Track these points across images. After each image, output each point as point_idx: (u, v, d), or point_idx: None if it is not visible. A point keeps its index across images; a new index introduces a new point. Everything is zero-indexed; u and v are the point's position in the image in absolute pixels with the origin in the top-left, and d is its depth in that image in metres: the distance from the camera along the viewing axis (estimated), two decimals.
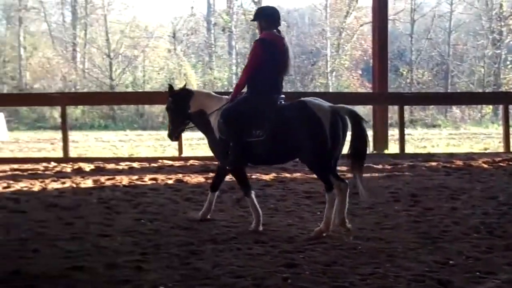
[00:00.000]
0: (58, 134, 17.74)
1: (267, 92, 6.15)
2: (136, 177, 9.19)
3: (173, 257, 5.20)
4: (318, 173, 5.97)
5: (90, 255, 5.26)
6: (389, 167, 10.15)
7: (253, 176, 8.80)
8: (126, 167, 10.20)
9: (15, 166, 10.43)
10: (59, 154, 11.99)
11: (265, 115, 6.03)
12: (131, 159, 11.19)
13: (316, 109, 5.83)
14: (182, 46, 27.33)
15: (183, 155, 11.24)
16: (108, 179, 9.07)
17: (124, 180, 8.97)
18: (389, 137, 12.61)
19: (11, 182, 8.84)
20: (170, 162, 10.52)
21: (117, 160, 10.96)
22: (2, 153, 12.84)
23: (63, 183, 8.83)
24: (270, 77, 6.16)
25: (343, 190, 5.83)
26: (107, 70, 26.79)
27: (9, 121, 20.51)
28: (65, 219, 6.61)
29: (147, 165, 10.38)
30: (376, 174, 9.48)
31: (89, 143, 16.24)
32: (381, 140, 12.17)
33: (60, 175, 9.46)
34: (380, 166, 10.13)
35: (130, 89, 25.41)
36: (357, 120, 5.77)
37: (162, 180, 9.02)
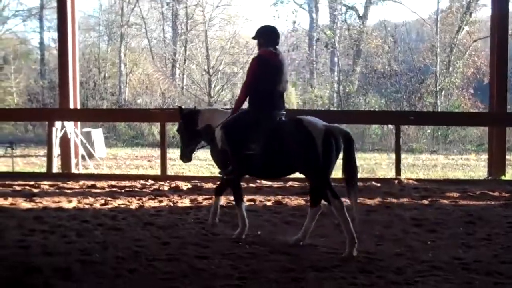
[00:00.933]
0: (156, 151, 18.36)
1: (265, 108, 6.65)
2: (233, 197, 9.23)
3: (272, 283, 5.16)
4: (319, 185, 6.38)
5: (186, 277, 5.32)
6: (506, 194, 9.67)
7: (358, 200, 8.64)
8: None
9: (113, 182, 10.79)
10: (157, 171, 12.31)
11: (261, 130, 6.52)
12: None
13: (310, 127, 6.28)
14: None
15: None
16: (205, 199, 9.19)
17: (222, 200, 9.04)
18: (507, 162, 12.04)
19: (109, 199, 9.14)
20: (268, 183, 10.53)
21: (214, 179, 11.09)
22: (100, 169, 13.34)
23: (160, 201, 9.03)
24: (268, 92, 6.67)
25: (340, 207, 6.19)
26: (206, 87, 27.39)
27: (107, 137, 21.37)
28: (162, 238, 6.74)
29: (245, 186, 10.43)
30: (492, 202, 9.05)
31: None
32: (499, 164, 11.61)
33: (157, 193, 9.69)
34: (496, 194, 9.68)
35: (228, 106, 25.83)
36: (350, 142, 6.19)
37: (261, 201, 9.03)
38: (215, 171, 13.61)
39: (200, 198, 9.24)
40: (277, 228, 7.36)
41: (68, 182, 10.53)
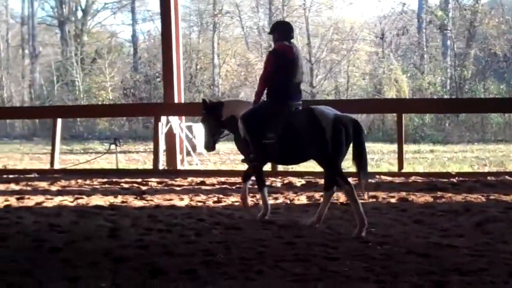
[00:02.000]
0: None
1: (282, 99, 7.41)
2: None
3: (415, 287, 5.02)
4: (330, 170, 7.11)
5: (319, 280, 5.25)
6: None
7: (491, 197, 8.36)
8: None
9: (222, 179, 10.93)
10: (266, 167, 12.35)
11: (277, 120, 7.30)
12: None
13: (320, 117, 6.98)
14: (390, 48, 27.03)
15: (404, 170, 10.96)
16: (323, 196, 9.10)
17: (341, 197, 8.95)
18: None
19: (221, 196, 9.25)
20: (389, 178, 10.33)
21: None
22: (205, 165, 13.57)
23: (275, 198, 9.05)
24: (284, 84, 7.42)
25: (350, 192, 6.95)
26: (307, 77, 27.28)
27: None
28: (285, 238, 6.72)
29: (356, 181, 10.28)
30: None
31: None
32: None
33: (271, 190, 9.70)
34: None
35: (331, 97, 25.65)
36: (358, 130, 6.89)
37: (383, 198, 8.86)
38: None
39: (317, 195, 9.17)
40: (408, 227, 7.18)
41: (176, 179, 10.73)
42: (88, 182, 11.04)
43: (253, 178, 8.11)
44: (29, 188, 10.57)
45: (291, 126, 7.20)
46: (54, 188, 10.45)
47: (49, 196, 9.55)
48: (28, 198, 9.38)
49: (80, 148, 21.37)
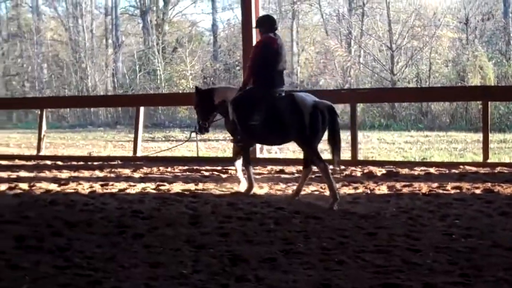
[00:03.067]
0: (343, 135, 18.25)
1: (267, 85, 8.30)
2: (435, 184, 8.94)
3: (501, 282, 4.85)
4: (308, 150, 8.22)
5: (402, 272, 5.16)
6: None
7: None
8: (422, 173, 9.99)
9: (301, 168, 10.87)
10: (344, 156, 12.23)
11: (262, 105, 8.21)
12: (426, 164, 10.96)
13: (300, 102, 7.97)
14: (474, 34, 26.22)
15: (489, 160, 10.62)
16: (405, 186, 8.96)
17: (423, 187, 8.78)
18: None
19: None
20: (473, 169, 10.05)
21: (410, 164, 10.81)
22: (283, 153, 13.55)
23: (356, 188, 8.95)
24: (269, 72, 8.31)
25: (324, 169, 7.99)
26: (387, 64, 26.80)
27: None
28: (366, 228, 6.63)
29: (446, 172, 10.05)
30: None
31: (373, 145, 16.39)
32: None
33: (351, 179, 9.61)
34: None
35: (412, 85, 25.11)
36: (333, 114, 7.91)
37: (468, 189, 8.62)
38: (409, 155, 13.38)
39: (398, 185, 9.02)
40: (494, 219, 6.96)
41: (256, 167, 10.78)
42: (169, 169, 11.23)
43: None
44: (112, 175, 10.85)
45: (274, 110, 8.14)
46: (136, 175, 10.68)
47: (132, 183, 9.77)
48: (112, 185, 9.62)
49: (162, 136, 21.76)
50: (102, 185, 9.63)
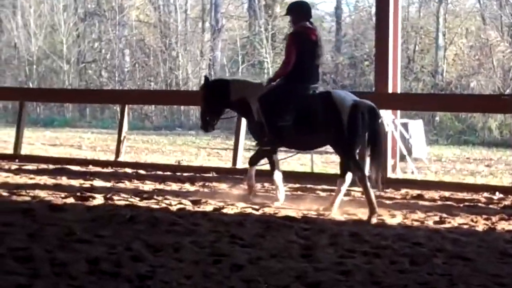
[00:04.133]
0: (494, 153, 17.85)
1: (300, 81, 9.17)
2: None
3: None
4: (345, 157, 9.01)
5: None
6: None
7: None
8: None
9: (446, 194, 10.76)
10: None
11: (295, 103, 9.00)
12: None
13: (338, 101, 8.75)
14: None
15: None
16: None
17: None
18: None
19: (444, 215, 9.10)
20: None
21: None
22: (422, 174, 13.36)
23: None
24: (303, 66, 9.14)
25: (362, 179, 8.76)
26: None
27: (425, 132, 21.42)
28: None
29: None
30: None
31: None
32: None
33: (510, 212, 9.38)
34: None
35: None
36: (374, 116, 8.70)
37: None
38: None
39: None
40: None
41: (386, 190, 10.68)
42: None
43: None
44: (206, 190, 11.04)
45: (308, 109, 8.95)
46: (236, 191, 10.82)
47: (230, 201, 9.90)
48: (205, 202, 9.79)
49: None
50: (193, 202, 9.81)
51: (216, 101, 9.86)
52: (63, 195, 10.19)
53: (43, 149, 19.11)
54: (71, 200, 9.92)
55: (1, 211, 8.90)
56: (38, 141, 21.75)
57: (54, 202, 9.66)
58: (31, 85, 33.60)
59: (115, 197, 10.07)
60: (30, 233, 7.67)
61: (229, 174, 12.62)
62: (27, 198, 9.96)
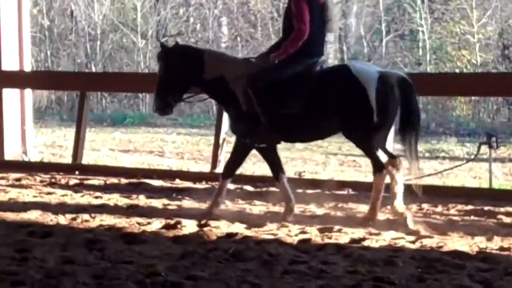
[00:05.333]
0: None
1: (308, 55, 9.83)
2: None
3: None
4: (365, 151, 9.82)
5: None
6: None
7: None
8: None
9: None
10: None
11: (302, 83, 9.68)
12: None
13: (360, 76, 9.40)
14: None
15: None
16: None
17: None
18: None
19: None
20: None
21: None
22: None
23: None
24: (313, 36, 9.77)
25: (397, 167, 9.54)
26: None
27: None
28: None
29: None
30: None
31: None
32: None
33: None
34: None
35: None
36: (408, 89, 9.42)
37: None
38: None
39: None
40: None
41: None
42: (439, 208, 11.22)
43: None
44: (339, 213, 11.02)
45: (320, 89, 9.67)
46: (381, 215, 10.75)
47: (372, 230, 9.85)
48: (339, 230, 9.79)
49: (425, 150, 21.76)
50: (320, 230, 9.81)
51: (183, 75, 10.25)
52: (140, 220, 10.36)
53: (111, 157, 19.47)
54: (151, 227, 10.05)
55: (57, 243, 9.07)
56: (105, 146, 22.15)
57: (129, 231, 9.83)
58: (93, 69, 34.11)
59: (212, 224, 10.17)
60: (96, 274, 7.76)
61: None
62: (92, 225, 10.15)
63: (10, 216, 10.62)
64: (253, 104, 9.83)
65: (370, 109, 9.36)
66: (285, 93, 9.77)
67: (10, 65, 17.09)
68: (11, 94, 17.08)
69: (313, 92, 9.70)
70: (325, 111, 9.70)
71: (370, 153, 9.75)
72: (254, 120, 9.87)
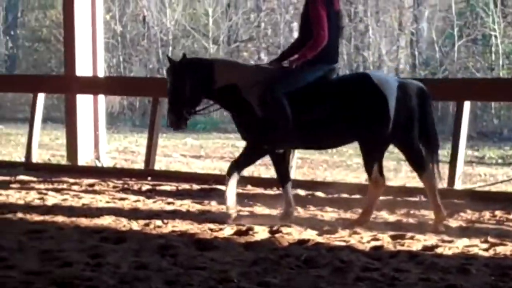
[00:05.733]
0: None
1: (326, 61, 10.05)
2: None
3: None
4: (366, 160, 10.06)
5: None
6: None
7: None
8: None
9: None
10: None
11: (321, 89, 9.90)
12: None
13: (381, 84, 9.60)
14: None
15: None
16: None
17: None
18: None
19: None
20: None
21: None
22: None
23: None
24: (330, 43, 9.99)
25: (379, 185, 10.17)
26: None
27: None
28: None
29: None
30: None
31: None
32: None
33: None
34: None
35: None
36: (425, 99, 9.76)
37: None
38: None
39: None
40: None
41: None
42: None
43: None
44: (411, 220, 10.99)
45: (339, 97, 9.88)
46: (453, 222, 10.67)
47: (445, 237, 9.79)
48: (412, 238, 9.75)
49: (496, 156, 21.56)
50: (392, 237, 9.78)
51: (194, 88, 10.32)
52: (212, 226, 10.42)
53: (183, 163, 19.57)
54: (223, 234, 10.10)
55: (130, 249, 9.15)
56: (177, 152, 22.27)
57: (201, 237, 9.89)
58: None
59: (284, 230, 10.17)
60: (169, 279, 7.82)
61: (444, 198, 12.44)
62: (165, 231, 10.22)
63: (84, 221, 10.71)
64: (271, 110, 9.99)
65: (388, 118, 9.61)
66: (305, 99, 9.96)
67: (84, 71, 17.24)
68: (84, 100, 17.24)
69: (333, 98, 9.91)
70: (344, 118, 9.89)
71: (368, 164, 10.12)
72: (271, 126, 10.02)
